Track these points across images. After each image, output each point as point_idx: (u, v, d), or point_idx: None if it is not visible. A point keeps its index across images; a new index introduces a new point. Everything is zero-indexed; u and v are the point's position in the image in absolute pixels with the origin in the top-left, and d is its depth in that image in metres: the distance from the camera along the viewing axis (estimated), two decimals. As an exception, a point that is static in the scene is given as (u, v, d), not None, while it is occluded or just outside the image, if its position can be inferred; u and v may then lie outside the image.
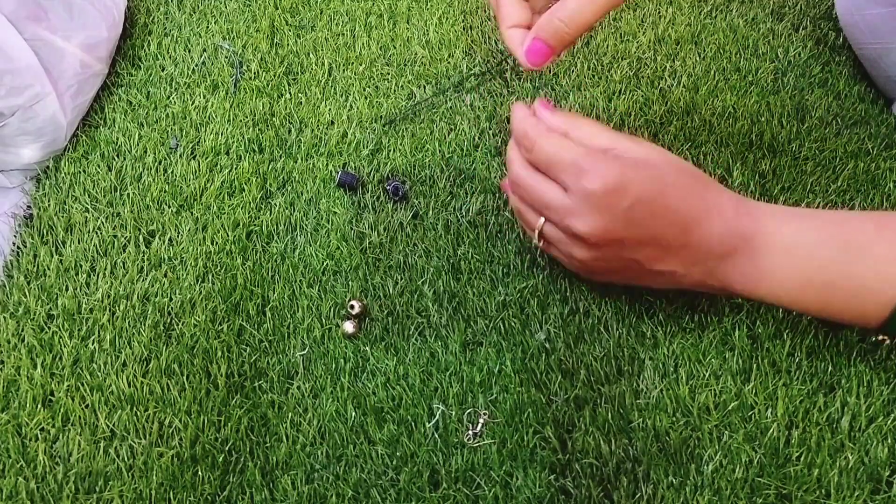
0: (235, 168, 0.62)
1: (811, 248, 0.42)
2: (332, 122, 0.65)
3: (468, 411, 0.47)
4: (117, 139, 0.64)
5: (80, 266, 0.56)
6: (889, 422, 0.45)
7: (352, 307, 0.51)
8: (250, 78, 0.69)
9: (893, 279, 0.40)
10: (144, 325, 0.52)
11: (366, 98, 0.67)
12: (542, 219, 0.46)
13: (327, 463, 0.46)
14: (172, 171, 0.62)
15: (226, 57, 0.71)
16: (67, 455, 0.46)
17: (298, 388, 0.49)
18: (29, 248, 0.57)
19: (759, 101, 0.66)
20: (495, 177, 0.61)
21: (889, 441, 0.44)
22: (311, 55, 0.71)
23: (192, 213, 0.59)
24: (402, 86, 0.68)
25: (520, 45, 0.45)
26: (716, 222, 0.43)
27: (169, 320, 0.53)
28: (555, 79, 0.68)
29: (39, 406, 0.48)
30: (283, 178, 0.62)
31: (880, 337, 0.47)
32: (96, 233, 0.58)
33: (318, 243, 0.57)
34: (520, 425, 0.47)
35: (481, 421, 0.47)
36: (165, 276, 0.55)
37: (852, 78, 0.68)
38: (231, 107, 0.67)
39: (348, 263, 0.55)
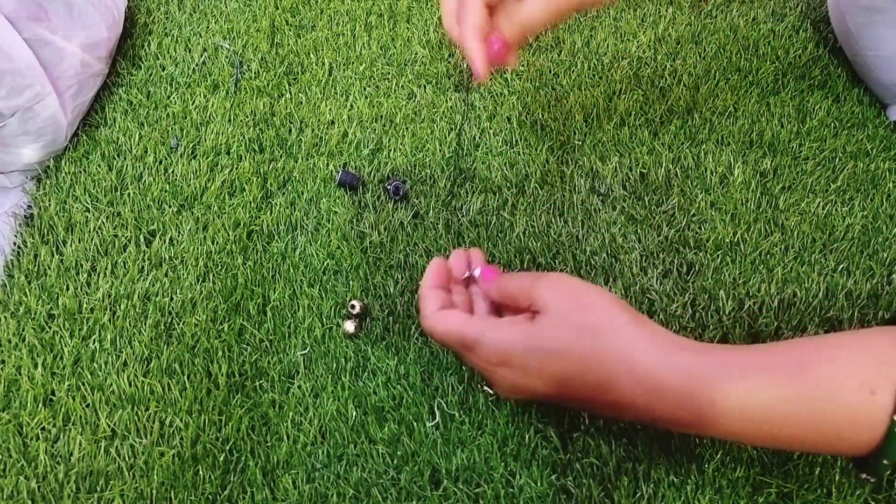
0: (236, 168, 0.62)
1: (767, 409, 0.36)
2: (333, 122, 0.66)
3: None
4: (118, 139, 0.64)
5: (81, 266, 0.56)
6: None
7: (352, 307, 0.52)
8: (251, 78, 0.69)
9: (864, 422, 0.34)
10: (145, 324, 0.52)
11: (366, 98, 0.68)
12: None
13: (328, 462, 0.46)
14: (173, 171, 0.62)
15: (226, 57, 0.71)
16: (68, 454, 0.46)
17: (299, 387, 0.49)
18: (29, 248, 0.57)
19: (759, 101, 0.66)
20: (496, 177, 0.61)
21: (889, 440, 0.44)
22: (311, 55, 0.71)
23: (192, 212, 0.59)
24: (402, 85, 0.69)
25: (480, 58, 0.44)
26: (627, 393, 0.37)
27: (170, 320, 0.53)
28: (555, 78, 0.69)
29: (40, 405, 0.48)
30: (284, 177, 0.62)
31: (864, 476, 0.40)
32: (97, 232, 0.58)
33: (318, 243, 0.57)
34: (521, 424, 0.47)
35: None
36: (166, 275, 0.55)
37: (850, 81, 0.68)
38: (231, 106, 0.67)
39: (349, 263, 0.55)
